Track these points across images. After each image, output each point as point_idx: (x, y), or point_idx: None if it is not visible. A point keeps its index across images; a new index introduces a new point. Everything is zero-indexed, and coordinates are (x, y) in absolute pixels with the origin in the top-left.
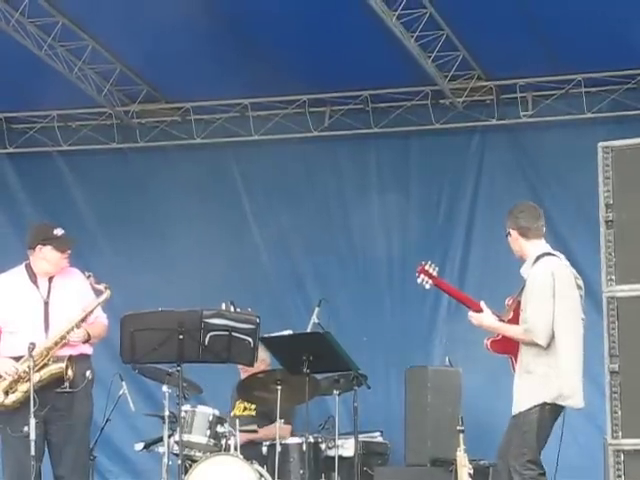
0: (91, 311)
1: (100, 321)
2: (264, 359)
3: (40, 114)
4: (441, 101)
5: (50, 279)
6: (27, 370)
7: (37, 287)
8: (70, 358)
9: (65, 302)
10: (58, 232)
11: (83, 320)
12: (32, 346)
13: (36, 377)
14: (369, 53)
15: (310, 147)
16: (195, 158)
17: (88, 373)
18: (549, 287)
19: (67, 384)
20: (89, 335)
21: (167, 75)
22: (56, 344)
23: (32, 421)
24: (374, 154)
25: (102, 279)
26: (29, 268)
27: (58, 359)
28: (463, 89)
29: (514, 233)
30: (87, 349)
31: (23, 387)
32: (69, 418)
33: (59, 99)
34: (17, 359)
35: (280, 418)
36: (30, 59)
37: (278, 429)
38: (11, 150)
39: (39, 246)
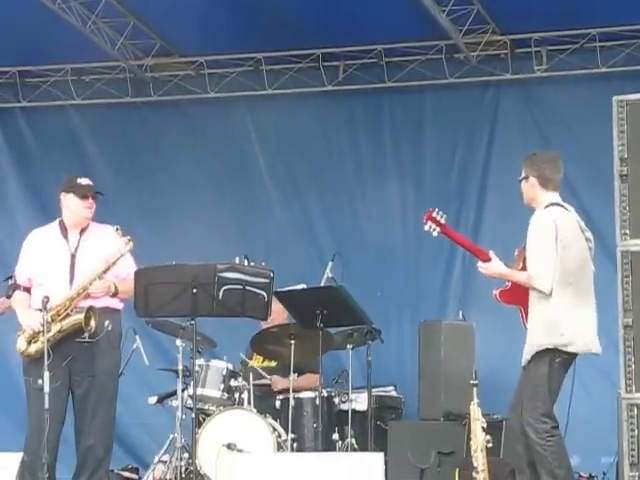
0: (114, 262)
1: (132, 277)
2: (282, 310)
3: (53, 68)
4: (455, 55)
5: (82, 232)
6: (50, 321)
7: (67, 240)
8: (91, 309)
9: (92, 255)
10: (82, 181)
11: (105, 271)
12: (46, 300)
13: (57, 327)
14: (383, 7)
15: (324, 101)
16: (208, 112)
17: (106, 323)
18: (551, 234)
19: (87, 335)
20: (116, 289)
21: (181, 29)
22: (79, 295)
23: (46, 374)
24: (388, 108)
25: (133, 238)
26: (62, 223)
27: (80, 310)
28: (477, 43)
29: (533, 180)
30: (115, 303)
31: (45, 336)
32: (91, 370)
33: (72, 53)
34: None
35: (309, 369)
36: (44, 13)
37: (313, 379)
38: (25, 104)
39: (63, 194)
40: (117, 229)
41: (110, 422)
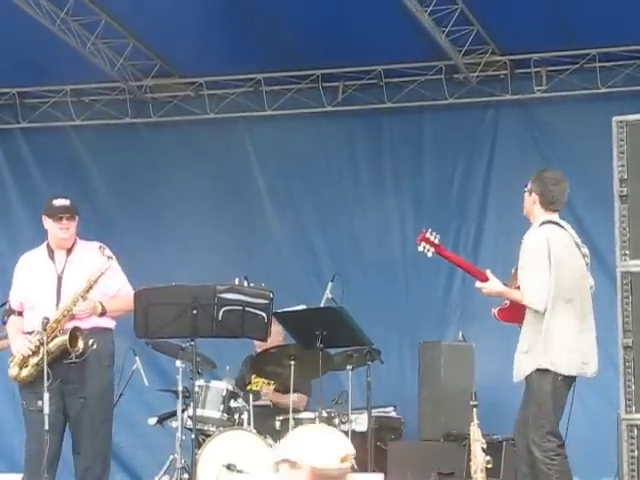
0: (95, 281)
1: (124, 293)
2: (279, 332)
3: (53, 89)
4: (455, 76)
5: (68, 253)
6: (38, 344)
7: (54, 262)
8: (76, 329)
9: (78, 276)
10: (57, 202)
11: (87, 290)
12: (46, 321)
13: (45, 347)
14: (383, 28)
15: (323, 122)
16: (208, 133)
17: (91, 342)
18: (542, 252)
19: (73, 355)
20: (103, 308)
21: (180, 50)
22: (64, 316)
23: (46, 395)
24: (387, 129)
25: (114, 252)
26: (49, 245)
27: (66, 331)
28: (477, 64)
29: (535, 197)
30: (105, 322)
31: (33, 360)
32: (82, 391)
33: (72, 74)
34: (32, 333)
35: (297, 389)
36: (43, 34)
37: (294, 398)
38: (24, 125)
39: (44, 217)
40: (100, 247)
41: (106, 441)
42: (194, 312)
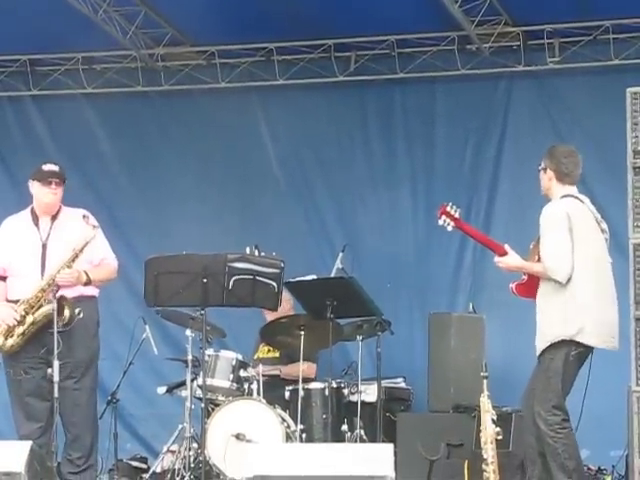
0: (81, 250)
1: (107, 263)
2: (288, 299)
3: (65, 56)
4: (467, 47)
5: (53, 219)
6: (24, 314)
7: (38, 228)
8: (62, 298)
9: (63, 244)
10: (46, 167)
11: (73, 260)
12: (56, 288)
13: (30, 319)
14: None
15: (335, 92)
16: (219, 102)
17: (77, 311)
18: (564, 224)
19: (60, 324)
20: (88, 277)
21: (192, 18)
22: (49, 285)
23: (56, 363)
24: (399, 99)
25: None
26: (33, 210)
27: (52, 300)
28: (490, 35)
29: (550, 173)
30: (89, 290)
31: (19, 330)
32: (68, 359)
33: (84, 41)
34: (17, 302)
35: (305, 358)
36: (55, 1)
37: (303, 367)
38: (35, 92)
39: (30, 182)
40: (84, 216)
41: (93, 410)
42: (204, 281)
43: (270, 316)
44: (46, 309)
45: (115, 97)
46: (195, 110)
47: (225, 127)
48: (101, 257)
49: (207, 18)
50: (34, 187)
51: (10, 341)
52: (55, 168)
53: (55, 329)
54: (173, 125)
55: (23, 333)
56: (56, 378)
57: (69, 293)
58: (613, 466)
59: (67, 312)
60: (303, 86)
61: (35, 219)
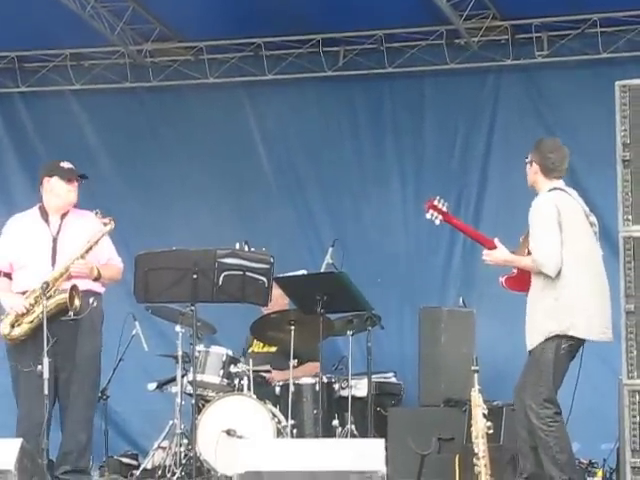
0: (96, 242)
1: (114, 264)
2: (281, 294)
3: (52, 53)
4: (456, 41)
5: (63, 217)
6: (32, 303)
7: (47, 224)
8: (74, 288)
9: (74, 238)
10: (65, 164)
11: (87, 251)
12: (45, 285)
13: (40, 308)
14: None
15: (324, 87)
16: (208, 98)
17: (91, 300)
18: (553, 217)
19: (71, 313)
20: (99, 272)
21: (180, 14)
22: (61, 275)
23: (45, 360)
24: (388, 94)
25: (115, 218)
26: (42, 208)
27: (63, 290)
28: (478, 29)
29: (536, 167)
30: (96, 287)
31: (29, 318)
32: (74, 354)
33: (71, 38)
34: (25, 294)
35: (311, 358)
36: None
37: (311, 367)
38: (23, 89)
39: (46, 178)
40: (97, 213)
41: (92, 406)
42: (194, 277)
43: (267, 311)
44: (60, 298)
45: (103, 93)
46: (184, 106)
47: (214, 123)
48: (108, 257)
49: (195, 14)
50: (52, 183)
51: (17, 330)
52: (72, 166)
53: (45, 325)
54: (162, 121)
55: (31, 321)
56: (46, 375)
57: (79, 285)
58: (604, 459)
59: (77, 302)
60: (292, 81)
61: (45, 216)
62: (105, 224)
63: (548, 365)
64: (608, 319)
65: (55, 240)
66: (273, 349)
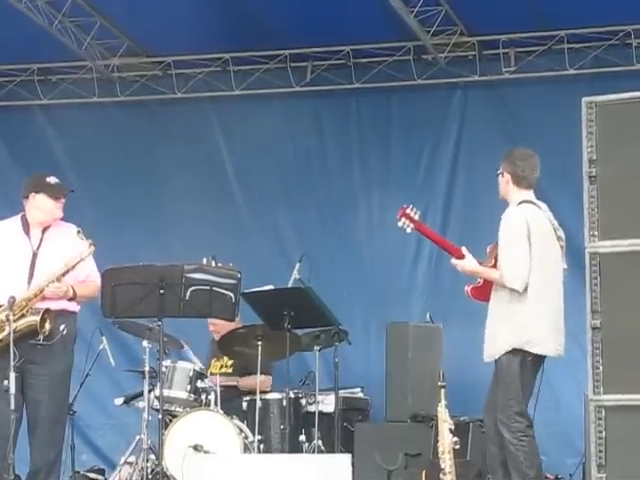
0: (73, 266)
1: (92, 280)
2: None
3: (20, 67)
4: (423, 57)
5: (44, 231)
6: (4, 320)
7: (28, 237)
8: (47, 311)
9: (54, 255)
10: (51, 180)
11: (64, 274)
12: (12, 299)
13: (12, 327)
14: (351, 8)
15: (291, 102)
16: (176, 112)
17: (62, 327)
18: (522, 232)
19: (41, 337)
20: (74, 292)
21: (148, 29)
22: (35, 296)
23: (12, 375)
24: (355, 109)
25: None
26: (24, 218)
27: (36, 311)
28: (445, 45)
29: (507, 177)
30: (72, 306)
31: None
32: (44, 372)
33: (39, 52)
34: None
35: (262, 371)
36: (9, 11)
37: (258, 380)
38: None
39: (32, 194)
40: (79, 232)
41: (60, 424)
42: (161, 292)
43: (217, 334)
44: (30, 320)
45: (71, 108)
46: (151, 121)
47: (181, 137)
48: (87, 274)
49: (163, 28)
50: (38, 200)
51: None
52: (59, 181)
53: (11, 340)
54: (129, 136)
55: (1, 340)
56: (12, 390)
57: (53, 306)
58: (570, 475)
59: (48, 325)
60: (259, 96)
61: (26, 227)
62: (87, 247)
63: (515, 378)
64: (563, 335)
65: (35, 255)
66: (230, 369)
